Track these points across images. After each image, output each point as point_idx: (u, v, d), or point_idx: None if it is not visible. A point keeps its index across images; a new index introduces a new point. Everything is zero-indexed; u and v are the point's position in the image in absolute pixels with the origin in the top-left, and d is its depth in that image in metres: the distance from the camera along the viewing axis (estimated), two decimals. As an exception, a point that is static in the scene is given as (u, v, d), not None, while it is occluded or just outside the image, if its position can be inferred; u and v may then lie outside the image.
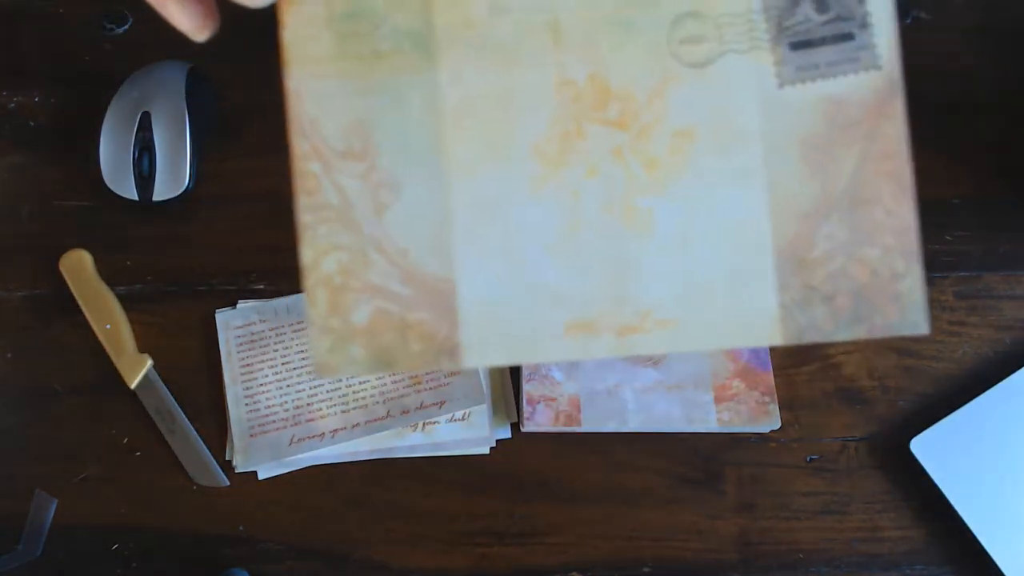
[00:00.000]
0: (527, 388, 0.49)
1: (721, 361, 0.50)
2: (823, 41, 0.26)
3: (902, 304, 0.26)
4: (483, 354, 0.26)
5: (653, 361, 0.49)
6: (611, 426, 0.48)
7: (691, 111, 0.26)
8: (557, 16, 0.26)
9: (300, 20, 0.25)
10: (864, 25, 0.26)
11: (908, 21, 0.64)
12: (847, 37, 0.26)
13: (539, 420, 0.48)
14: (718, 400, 0.49)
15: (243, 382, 0.50)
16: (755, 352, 0.50)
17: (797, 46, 0.26)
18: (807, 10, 0.26)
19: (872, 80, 0.26)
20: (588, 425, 0.48)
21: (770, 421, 0.48)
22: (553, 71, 0.26)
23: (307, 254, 0.26)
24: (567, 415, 0.48)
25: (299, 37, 0.26)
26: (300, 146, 0.26)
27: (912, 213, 0.26)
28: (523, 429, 0.48)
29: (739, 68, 0.26)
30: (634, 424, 0.48)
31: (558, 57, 0.26)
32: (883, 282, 0.26)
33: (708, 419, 0.48)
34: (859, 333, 0.26)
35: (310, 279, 0.26)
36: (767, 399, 0.49)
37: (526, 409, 0.48)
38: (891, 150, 0.26)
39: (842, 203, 0.26)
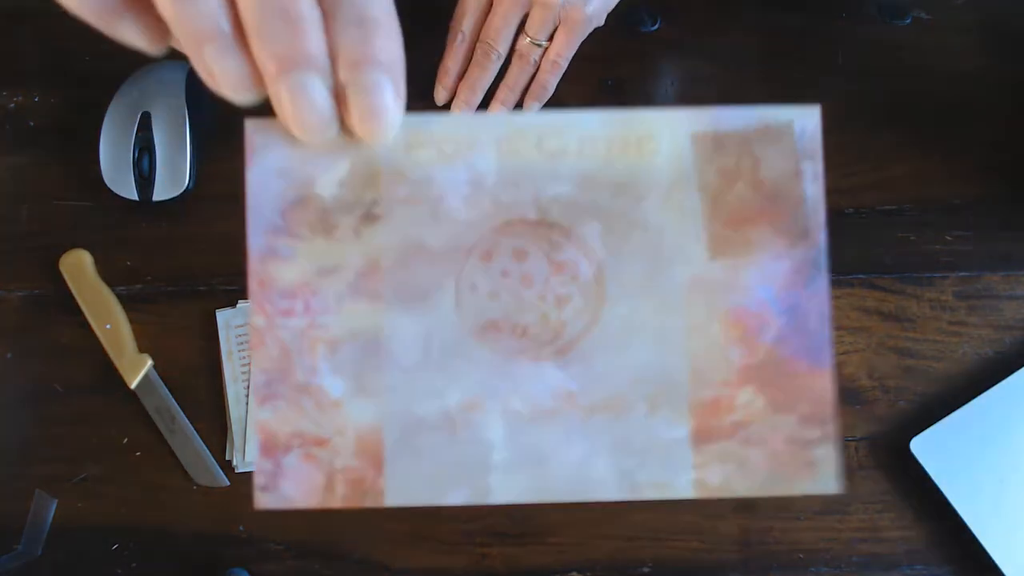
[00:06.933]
0: (262, 419, 0.26)
1: (716, 344, 0.27)
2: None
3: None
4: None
5: (557, 348, 0.27)
6: (454, 498, 0.26)
7: None
8: None
9: None
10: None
11: (908, 21, 0.65)
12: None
13: (287, 492, 0.26)
14: (701, 438, 0.26)
15: (243, 382, 0.50)
16: (795, 324, 0.26)
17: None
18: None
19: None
20: (396, 496, 0.26)
21: (815, 478, 0.26)
22: None
23: None
24: (353, 479, 0.26)
25: None
26: None
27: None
28: (256, 506, 0.26)
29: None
30: (508, 493, 0.26)
31: None
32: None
33: (675, 480, 0.26)
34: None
35: None
36: (814, 432, 0.26)
37: (259, 465, 0.26)
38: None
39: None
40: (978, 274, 0.54)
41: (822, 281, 0.26)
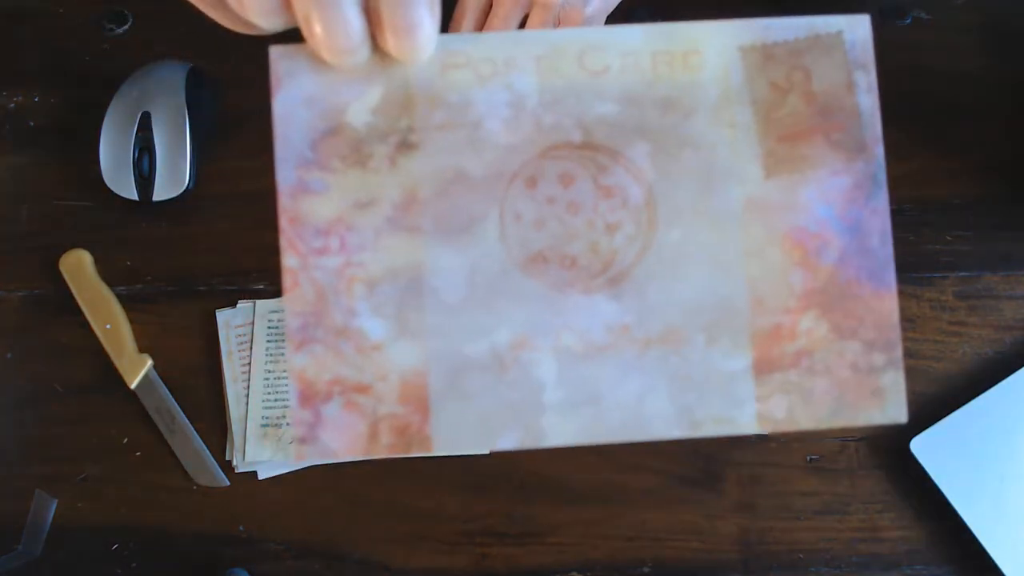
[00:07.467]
0: (298, 366, 0.25)
1: (775, 268, 0.25)
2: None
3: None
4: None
5: (609, 278, 0.25)
6: (506, 443, 0.25)
7: None
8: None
9: None
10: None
11: (908, 21, 0.64)
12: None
13: (328, 443, 0.25)
14: (764, 368, 0.25)
15: (243, 382, 0.50)
16: (857, 243, 0.26)
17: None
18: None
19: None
20: (444, 443, 0.25)
21: (883, 407, 0.25)
22: None
23: None
24: (398, 427, 0.25)
25: None
26: None
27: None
28: (296, 458, 0.27)
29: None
30: (562, 435, 0.26)
31: None
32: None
33: (738, 415, 0.25)
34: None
35: None
36: (880, 358, 0.25)
37: (297, 416, 0.25)
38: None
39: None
40: (978, 274, 0.54)
41: (882, 197, 0.26)
